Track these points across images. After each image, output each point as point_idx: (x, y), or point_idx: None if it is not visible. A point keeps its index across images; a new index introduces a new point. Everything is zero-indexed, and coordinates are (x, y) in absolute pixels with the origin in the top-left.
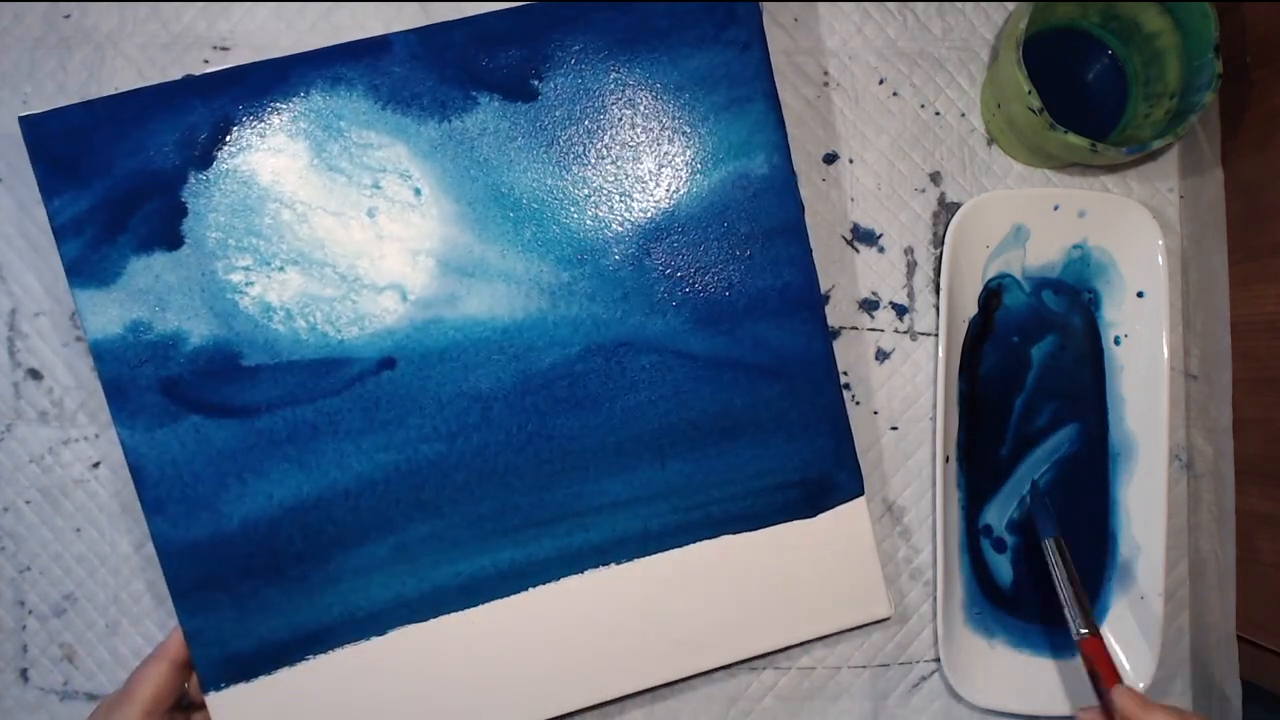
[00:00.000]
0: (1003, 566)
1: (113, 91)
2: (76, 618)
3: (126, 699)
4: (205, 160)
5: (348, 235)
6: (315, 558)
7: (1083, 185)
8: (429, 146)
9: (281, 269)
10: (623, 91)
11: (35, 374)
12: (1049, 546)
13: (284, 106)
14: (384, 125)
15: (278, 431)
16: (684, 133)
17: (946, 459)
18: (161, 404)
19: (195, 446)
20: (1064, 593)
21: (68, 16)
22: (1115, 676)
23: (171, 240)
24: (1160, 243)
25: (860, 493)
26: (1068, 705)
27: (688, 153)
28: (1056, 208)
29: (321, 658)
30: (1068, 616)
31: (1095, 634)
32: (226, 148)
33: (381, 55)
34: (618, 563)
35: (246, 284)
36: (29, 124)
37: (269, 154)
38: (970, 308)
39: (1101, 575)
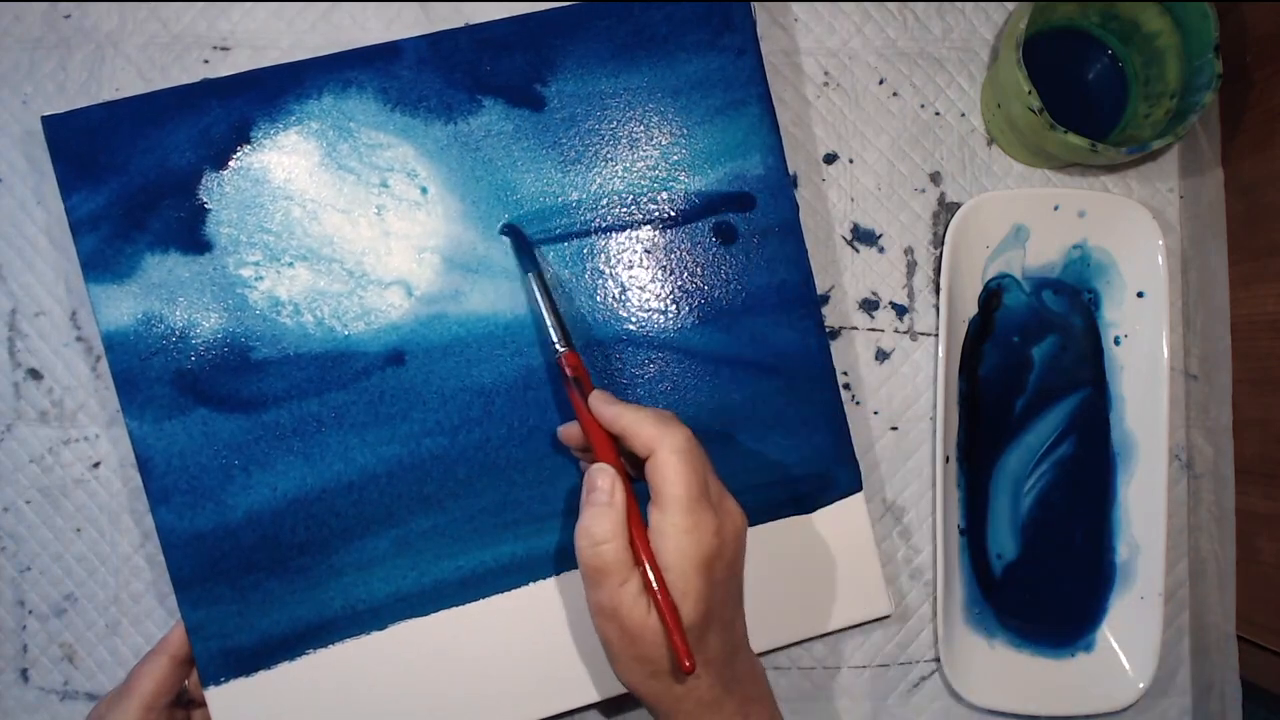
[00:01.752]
0: (1003, 566)
1: (113, 91)
2: (77, 618)
3: (127, 694)
4: (220, 159)
5: (356, 232)
6: (317, 550)
7: (1083, 185)
8: (436, 147)
9: (291, 264)
10: (623, 95)
11: (35, 374)
12: (532, 279)
13: (297, 108)
14: (393, 126)
15: (284, 424)
16: (682, 135)
17: (946, 459)
18: (170, 396)
19: (202, 438)
20: (547, 317)
21: (68, 16)
22: (591, 385)
23: (189, 239)
24: (1160, 243)
25: (858, 489)
26: (1068, 705)
27: (686, 154)
28: (1056, 208)
29: (322, 652)
30: (551, 337)
31: (573, 348)
32: (241, 147)
33: (392, 60)
34: None
35: (256, 279)
36: (51, 123)
37: (282, 153)
38: (970, 308)
39: (1101, 575)
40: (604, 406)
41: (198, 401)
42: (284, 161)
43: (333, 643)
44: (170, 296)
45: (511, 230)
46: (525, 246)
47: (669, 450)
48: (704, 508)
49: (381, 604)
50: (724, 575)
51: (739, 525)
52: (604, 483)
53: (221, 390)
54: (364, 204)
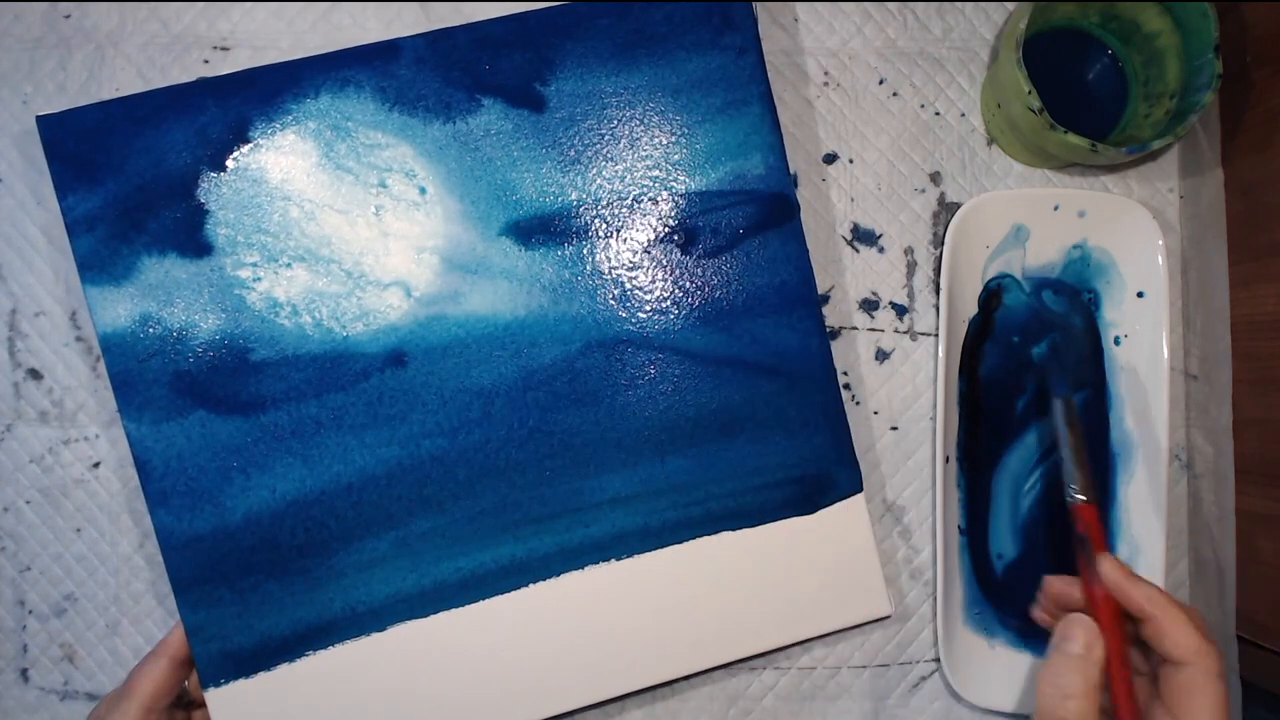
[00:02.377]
0: (1003, 566)
1: (113, 91)
2: (77, 618)
3: (126, 696)
4: (217, 160)
5: (354, 233)
6: (317, 552)
7: (1083, 185)
8: (434, 147)
9: (289, 265)
10: (623, 95)
11: (35, 374)
12: (1058, 406)
13: (295, 108)
14: (391, 126)
15: (282, 426)
16: (683, 134)
17: (946, 459)
18: (168, 398)
19: (200, 440)
20: (1068, 454)
21: (68, 16)
22: (1105, 545)
23: (186, 240)
24: (1160, 243)
25: (859, 490)
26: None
27: (686, 154)
28: (1056, 208)
29: (321, 653)
30: (1067, 479)
31: (1092, 501)
32: (238, 147)
33: (390, 59)
34: (618, 559)
35: (254, 280)
36: (46, 122)
37: (279, 153)
38: (970, 308)
39: None
40: (1131, 586)
41: (196, 403)
42: (281, 161)
43: (332, 644)
44: (167, 298)
45: (1053, 346)
46: (1062, 368)
47: (1212, 673)
48: None
49: (381, 605)
50: None
51: None
52: (1083, 636)
53: (220, 392)
54: (362, 204)
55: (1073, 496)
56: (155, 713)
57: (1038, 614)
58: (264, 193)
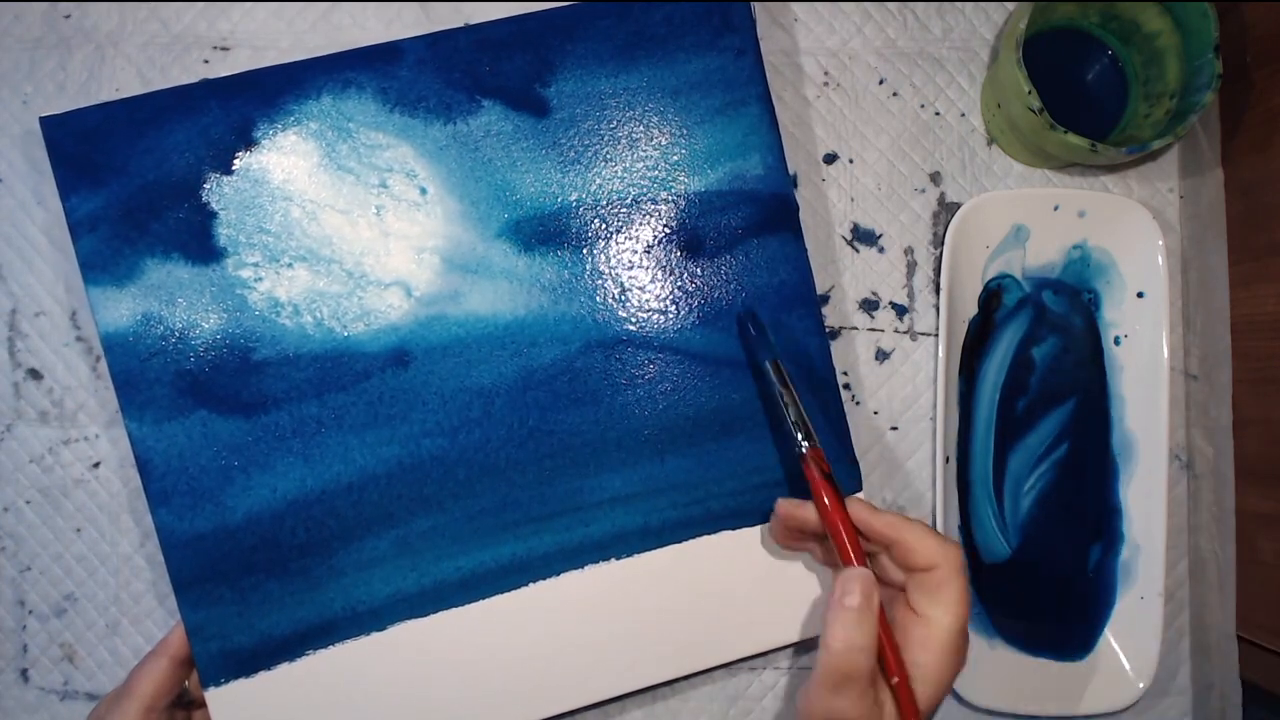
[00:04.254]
0: (1002, 567)
1: (113, 91)
2: (77, 618)
3: (126, 695)
4: (219, 160)
5: (355, 233)
6: (317, 551)
7: (1083, 185)
8: (435, 148)
9: (290, 265)
10: (622, 96)
11: (35, 374)
12: (769, 370)
13: (296, 109)
14: (392, 127)
15: (284, 425)
16: (682, 135)
17: (947, 459)
18: (170, 397)
19: (202, 440)
20: (789, 411)
21: (68, 16)
22: (831, 472)
23: (188, 240)
24: (1160, 243)
25: (859, 489)
26: (1068, 706)
27: (685, 154)
28: (1056, 208)
29: (322, 653)
30: (792, 433)
31: (817, 445)
32: (240, 148)
33: (391, 60)
34: (617, 558)
35: (256, 280)
36: (49, 123)
37: (281, 154)
38: (970, 308)
39: (1102, 575)
40: (873, 517)
41: (197, 403)
42: (283, 162)
43: (333, 643)
44: (169, 298)
45: (750, 316)
46: (763, 332)
47: (954, 569)
48: (965, 637)
49: (381, 605)
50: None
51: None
52: (865, 587)
53: (221, 391)
54: (363, 204)
55: (802, 447)
56: (155, 712)
57: (775, 533)
58: (266, 193)
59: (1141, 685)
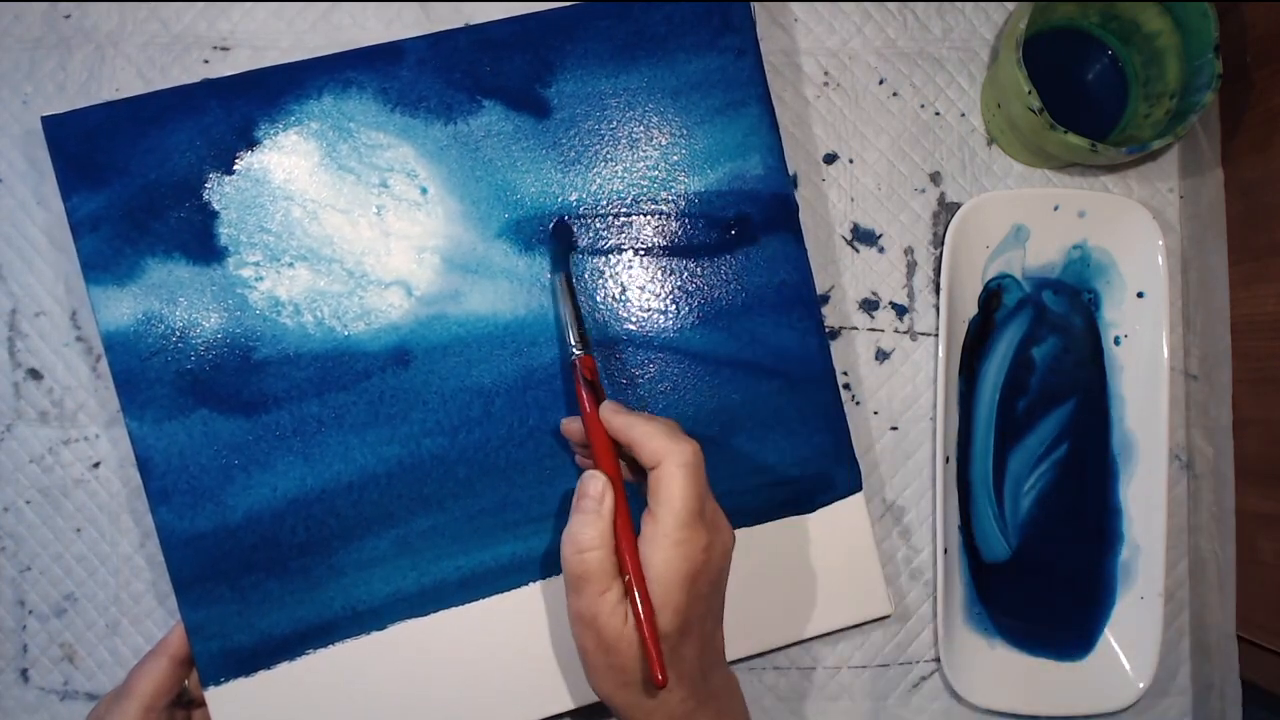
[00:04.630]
0: (1002, 566)
1: (113, 91)
2: (77, 618)
3: (126, 694)
4: (220, 160)
5: (356, 232)
6: (317, 550)
7: (1083, 185)
8: (436, 148)
9: (291, 265)
10: (622, 96)
11: (35, 374)
12: (559, 280)
13: (297, 109)
14: (392, 127)
15: (284, 425)
16: (682, 135)
17: (946, 459)
18: (170, 396)
19: (203, 439)
20: (568, 318)
21: (68, 16)
22: (603, 393)
23: (189, 239)
24: (1160, 243)
25: (858, 489)
26: (1068, 706)
27: (685, 154)
28: (1056, 208)
29: (322, 652)
30: (570, 339)
31: (590, 353)
32: (241, 148)
33: (392, 60)
34: None
35: (257, 279)
36: (51, 123)
37: (282, 154)
38: (970, 308)
39: (1102, 575)
40: (614, 416)
41: (198, 402)
42: (284, 162)
43: (333, 643)
44: (170, 297)
45: (560, 227)
46: (565, 246)
47: (675, 464)
48: (698, 523)
49: (381, 604)
50: (707, 590)
51: (728, 543)
52: (595, 489)
53: (222, 390)
54: (364, 204)
55: (574, 353)
56: (155, 711)
57: (563, 430)
58: (267, 193)
59: (1141, 685)
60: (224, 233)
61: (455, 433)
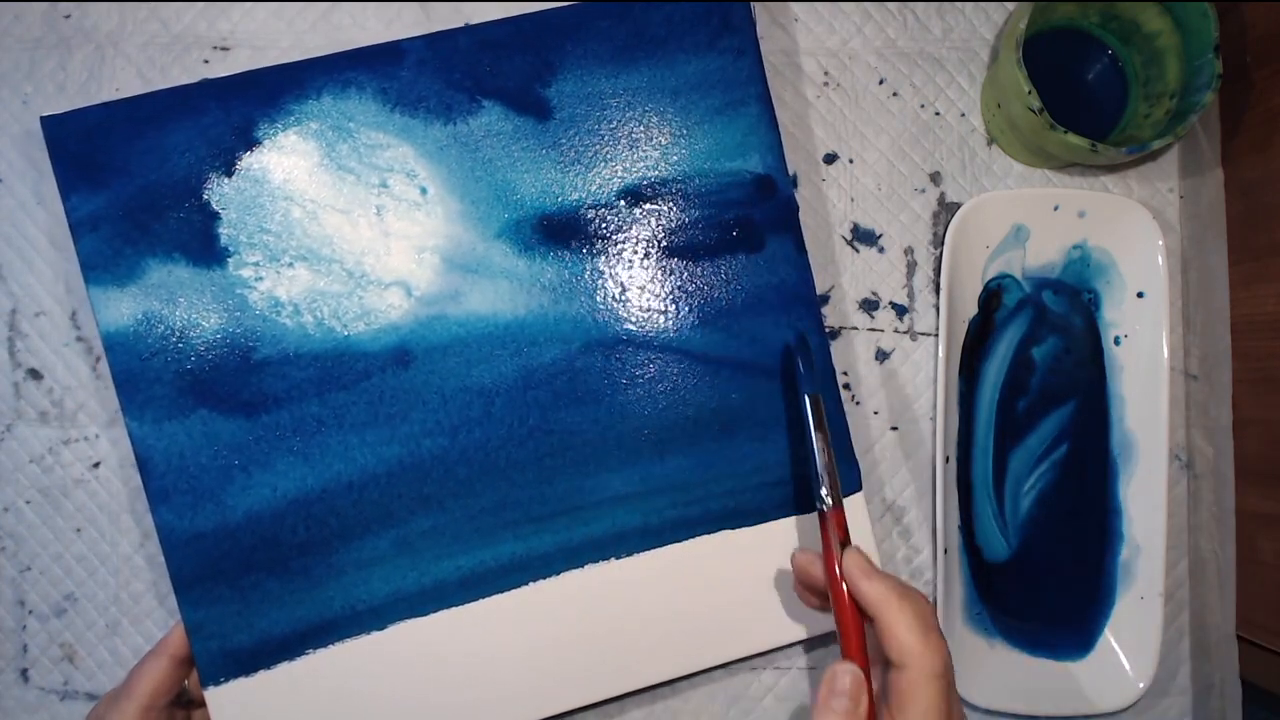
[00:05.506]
0: (1002, 567)
1: (113, 91)
2: (77, 618)
3: (125, 694)
4: (220, 160)
5: (355, 232)
6: (318, 550)
7: (1083, 185)
8: (435, 147)
9: (291, 265)
10: (622, 96)
11: (35, 374)
12: (807, 403)
13: (297, 109)
14: (392, 127)
15: (284, 425)
16: (682, 135)
17: (947, 459)
18: (170, 396)
19: (202, 439)
20: (818, 458)
21: (68, 17)
22: (849, 540)
23: (189, 239)
24: (1160, 243)
25: (858, 488)
26: (1068, 706)
27: (685, 154)
28: (1056, 208)
29: (322, 652)
30: (819, 481)
31: (840, 505)
32: (241, 148)
33: (391, 61)
34: (617, 558)
35: (256, 279)
36: (50, 123)
37: (281, 154)
38: (970, 308)
39: (1102, 576)
40: (863, 580)
41: (198, 402)
42: (283, 162)
43: (333, 642)
44: (170, 297)
45: (801, 343)
46: (810, 361)
47: (927, 674)
48: None
49: (381, 603)
50: None
51: None
52: (848, 687)
53: (222, 391)
54: (363, 204)
55: (824, 503)
56: (154, 711)
57: (797, 589)
58: (266, 193)
59: (1141, 685)
60: (224, 233)
61: (455, 432)
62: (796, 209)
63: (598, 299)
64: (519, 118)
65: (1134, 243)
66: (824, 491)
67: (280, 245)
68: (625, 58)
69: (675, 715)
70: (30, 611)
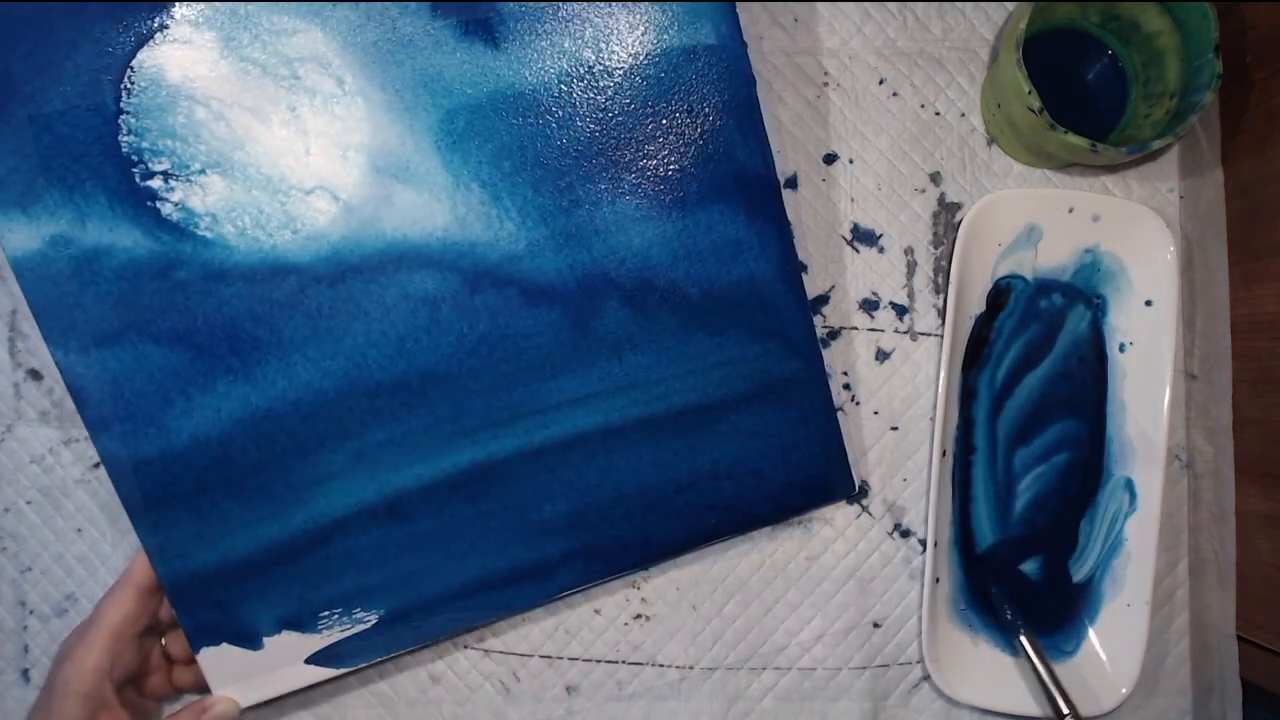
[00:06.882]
0: (994, 565)
1: None
2: (78, 618)
3: (92, 625)
4: (108, 60)
5: (269, 133)
6: (272, 469)
7: (1083, 185)
8: (347, 29)
9: (202, 172)
10: None
11: (35, 374)
12: (1023, 644)
13: None
14: (296, 9)
15: (219, 345)
16: (627, 7)
17: (944, 453)
18: (93, 322)
19: (135, 364)
20: (1051, 685)
21: None
22: None
23: (88, 151)
24: (1171, 250)
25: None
26: (1062, 705)
27: (633, 28)
28: (1071, 210)
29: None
30: (1058, 702)
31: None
32: (130, 44)
33: None
34: (583, 463)
35: (166, 190)
36: None
37: (173, 47)
38: (977, 305)
39: (1091, 580)
40: None
41: (124, 326)
42: (179, 56)
43: (298, 559)
44: (78, 216)
45: (999, 597)
46: (1003, 610)
47: None
48: None
49: (344, 517)
50: None
51: None
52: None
53: (147, 312)
54: (274, 101)
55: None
56: (123, 641)
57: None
58: (165, 93)
59: (1124, 690)
60: (125, 140)
61: (401, 343)
62: (753, 84)
63: (541, 192)
64: None
65: (1146, 251)
66: (1065, 712)
67: (189, 151)
68: None
69: (675, 715)
70: (31, 612)
